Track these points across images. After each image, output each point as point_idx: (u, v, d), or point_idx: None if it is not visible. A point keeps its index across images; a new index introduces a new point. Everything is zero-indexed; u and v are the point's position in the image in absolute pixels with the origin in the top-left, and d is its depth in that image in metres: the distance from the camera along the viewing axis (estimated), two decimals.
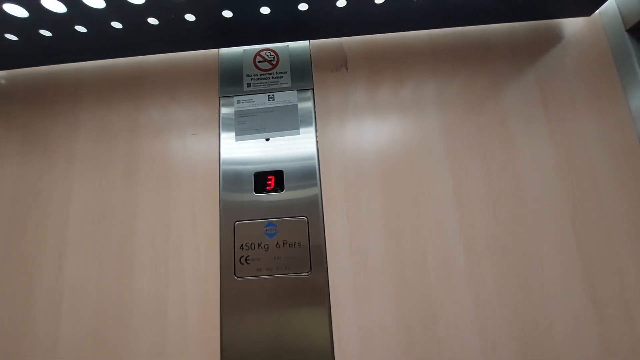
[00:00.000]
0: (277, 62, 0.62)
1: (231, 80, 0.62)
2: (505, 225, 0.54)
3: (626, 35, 0.60)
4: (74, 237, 0.56)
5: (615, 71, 0.61)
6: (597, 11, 0.65)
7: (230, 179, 0.57)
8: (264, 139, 0.59)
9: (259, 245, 0.54)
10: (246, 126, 0.59)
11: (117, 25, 0.54)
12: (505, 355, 0.50)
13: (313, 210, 0.55)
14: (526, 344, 0.50)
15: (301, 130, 0.59)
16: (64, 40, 0.57)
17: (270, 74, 0.62)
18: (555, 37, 0.63)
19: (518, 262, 0.53)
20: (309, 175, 0.57)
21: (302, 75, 0.62)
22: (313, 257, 0.53)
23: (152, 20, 0.54)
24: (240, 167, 0.57)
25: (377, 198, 0.56)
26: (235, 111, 0.60)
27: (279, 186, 0.56)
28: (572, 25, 0.64)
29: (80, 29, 0.55)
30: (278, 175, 0.57)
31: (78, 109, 0.63)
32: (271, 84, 0.61)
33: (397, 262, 0.54)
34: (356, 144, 0.59)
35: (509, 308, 0.51)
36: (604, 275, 0.52)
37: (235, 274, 0.53)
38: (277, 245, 0.54)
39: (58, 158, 0.60)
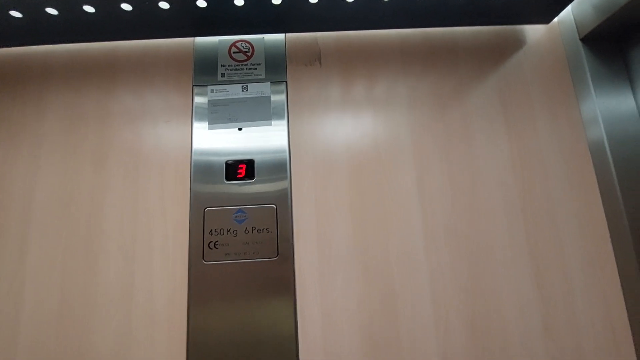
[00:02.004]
0: (252, 54, 0.63)
1: (206, 70, 0.63)
2: (462, 215, 0.58)
3: (580, 44, 0.65)
4: (39, 222, 0.56)
5: (570, 78, 0.65)
6: (556, 19, 0.69)
7: (202, 167, 0.58)
8: (237, 129, 0.60)
9: (228, 230, 0.55)
10: (219, 115, 0.60)
11: (89, 9, 0.54)
12: (455, 328, 0.53)
13: (282, 199, 0.57)
14: (475, 319, 0.54)
15: (273, 121, 0.60)
16: (34, 22, 0.56)
17: (245, 65, 0.63)
18: (516, 43, 0.67)
19: (472, 247, 0.57)
20: (279, 165, 0.58)
21: (276, 67, 0.63)
22: (280, 243, 0.55)
23: (126, 6, 0.54)
24: (212, 156, 0.59)
25: (345, 189, 0.59)
26: (208, 100, 0.61)
27: (250, 175, 0.58)
28: (533, 31, 0.68)
29: (52, 11, 0.54)
30: (249, 164, 0.58)
31: (46, 93, 0.62)
32: (245, 75, 0.62)
33: (361, 249, 0.56)
34: (327, 138, 0.61)
35: (462, 289, 0.55)
36: (548, 259, 0.57)
37: (203, 259, 0.54)
38: (246, 231, 0.55)
39: (23, 141, 0.60)
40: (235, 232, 0.55)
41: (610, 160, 0.57)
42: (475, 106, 0.63)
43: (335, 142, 0.61)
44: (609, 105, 0.60)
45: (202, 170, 0.58)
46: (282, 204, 0.57)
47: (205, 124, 0.60)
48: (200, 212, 0.56)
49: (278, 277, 0.54)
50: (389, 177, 0.59)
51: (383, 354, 0.53)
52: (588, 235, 0.58)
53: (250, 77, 0.62)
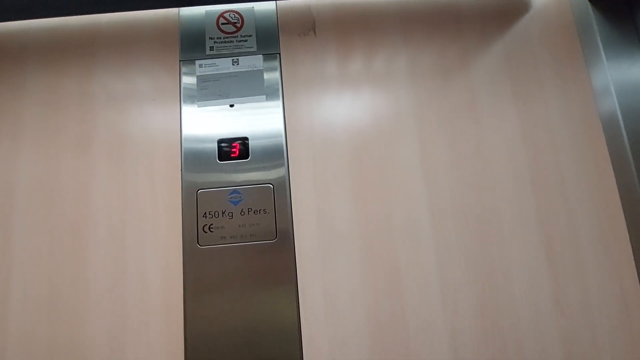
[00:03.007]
0: (242, 25, 0.59)
1: (193, 44, 0.59)
2: (468, 188, 0.55)
3: (589, 5, 0.61)
4: (22, 209, 0.53)
5: (579, 43, 0.62)
6: None
7: (193, 147, 0.55)
8: (228, 105, 0.56)
9: (223, 213, 0.52)
10: (209, 91, 0.57)
11: None
12: (464, 306, 0.51)
13: (279, 178, 0.54)
14: (484, 296, 0.52)
15: (267, 97, 0.57)
16: None
17: (235, 37, 0.59)
18: (522, 7, 0.63)
19: (479, 221, 0.54)
20: (275, 143, 0.55)
21: (268, 39, 0.59)
22: (279, 224, 0.52)
23: None
24: (203, 134, 0.55)
25: (345, 165, 0.56)
26: (197, 76, 0.57)
27: (244, 154, 0.55)
28: None
29: None
30: (243, 142, 0.55)
31: (23, 74, 0.58)
32: (235, 48, 0.58)
33: (363, 227, 0.54)
34: (324, 113, 0.57)
35: (470, 265, 0.53)
36: (559, 232, 0.54)
37: (198, 243, 0.51)
38: (242, 213, 0.52)
39: (3, 124, 0.56)
40: (230, 214, 0.52)
41: (623, 130, 0.54)
42: (480, 76, 0.60)
43: (333, 117, 0.57)
44: (621, 72, 0.57)
45: (193, 151, 0.54)
46: (279, 183, 0.54)
47: (194, 101, 0.56)
48: (193, 194, 0.53)
49: (277, 260, 0.51)
50: (391, 151, 0.56)
51: (388, 334, 0.51)
52: (600, 207, 0.55)
53: (240, 50, 0.58)
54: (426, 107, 0.58)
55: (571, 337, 0.51)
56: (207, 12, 0.60)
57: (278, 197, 0.53)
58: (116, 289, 0.51)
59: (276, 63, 0.58)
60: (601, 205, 0.55)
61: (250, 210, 0.53)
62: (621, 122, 0.55)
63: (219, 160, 0.54)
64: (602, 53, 0.58)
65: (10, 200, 0.53)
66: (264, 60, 0.58)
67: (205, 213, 0.52)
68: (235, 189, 0.53)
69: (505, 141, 0.57)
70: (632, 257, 0.54)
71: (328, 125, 0.57)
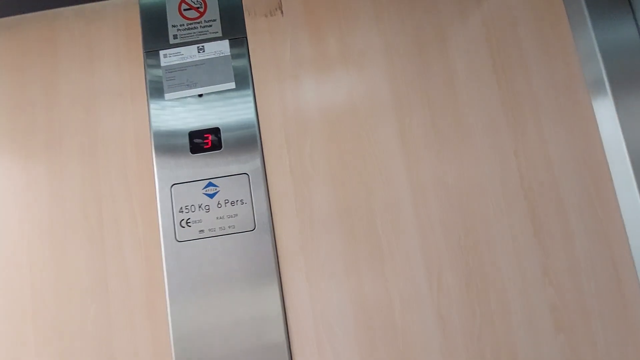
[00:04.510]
0: (205, 9, 0.57)
1: (156, 33, 0.56)
2: (450, 165, 0.54)
3: None
4: None
5: (562, 7, 0.58)
6: None
7: (164, 141, 0.53)
8: (197, 95, 0.54)
9: (200, 206, 0.51)
10: (176, 82, 0.55)
11: None
12: (450, 282, 0.51)
13: (254, 167, 0.53)
14: (469, 272, 0.51)
15: (237, 82, 0.55)
16: None
17: (199, 22, 0.56)
18: None
19: (463, 198, 0.53)
20: (248, 131, 0.54)
21: (233, 22, 0.56)
22: (257, 213, 0.51)
23: None
24: (173, 128, 0.54)
25: (321, 148, 0.54)
26: (162, 67, 0.55)
27: (217, 145, 0.53)
28: None
29: None
30: (215, 133, 0.53)
31: None
32: (200, 34, 0.56)
33: (343, 211, 0.52)
34: (297, 95, 0.55)
35: (454, 242, 0.52)
36: (545, 202, 0.53)
37: (176, 238, 0.51)
38: (219, 205, 0.52)
39: None
40: (207, 207, 0.51)
41: (610, 96, 0.52)
42: (458, 49, 0.57)
43: (307, 100, 0.55)
44: (607, 35, 0.54)
45: (164, 145, 0.53)
46: (255, 172, 0.53)
47: (161, 94, 0.54)
48: (167, 189, 0.52)
49: (257, 250, 0.51)
50: (369, 132, 0.55)
51: (375, 317, 0.50)
52: (587, 175, 0.54)
53: (205, 36, 0.56)
54: (403, 85, 0.56)
55: (560, 307, 0.51)
56: None
57: (254, 186, 0.52)
58: (98, 292, 0.50)
59: (243, 47, 0.56)
60: (588, 173, 0.54)
61: (227, 201, 0.52)
62: (608, 88, 0.52)
63: (192, 153, 0.53)
64: (587, 15, 0.55)
65: None
66: (231, 45, 0.56)
67: (181, 208, 0.51)
68: (210, 181, 0.52)
69: (486, 113, 0.55)
70: (622, 224, 0.53)
71: (302, 109, 0.55)
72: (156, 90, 0.55)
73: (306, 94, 0.55)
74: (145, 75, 0.55)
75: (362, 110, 0.55)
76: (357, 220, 0.52)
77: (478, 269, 0.51)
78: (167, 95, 0.54)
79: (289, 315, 0.50)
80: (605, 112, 0.53)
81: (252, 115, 0.54)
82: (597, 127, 0.55)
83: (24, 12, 0.56)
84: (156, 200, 0.52)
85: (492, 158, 0.54)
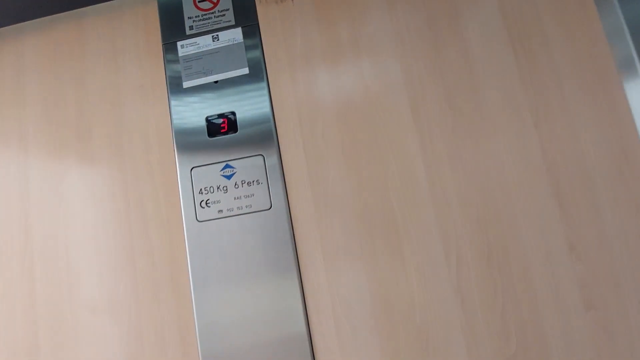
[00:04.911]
0: (218, 0, 0.59)
1: (173, 25, 0.59)
2: (466, 138, 0.52)
3: None
4: (36, 207, 0.57)
5: None
6: None
7: (183, 127, 0.56)
8: (213, 82, 0.57)
9: (218, 187, 0.53)
10: (193, 71, 0.57)
11: None
12: (469, 259, 0.50)
13: (269, 148, 0.54)
14: (490, 247, 0.50)
15: (250, 68, 0.57)
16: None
17: (212, 13, 0.59)
18: None
19: (480, 171, 0.52)
20: (262, 114, 0.55)
21: (245, 10, 0.58)
22: (272, 193, 0.53)
23: None
24: (191, 114, 0.56)
25: (334, 127, 0.55)
26: (180, 56, 0.58)
27: (233, 128, 0.55)
28: None
29: None
30: (230, 117, 0.55)
31: (23, 76, 0.61)
32: (214, 24, 0.58)
33: (357, 188, 0.53)
34: (308, 78, 0.56)
35: (472, 215, 0.51)
36: (569, 173, 0.51)
37: (197, 218, 0.53)
38: (236, 186, 0.53)
39: (9, 131, 0.60)
40: (225, 188, 0.53)
41: None
42: (472, 21, 0.56)
43: (318, 83, 0.56)
44: (635, 9, 0.51)
45: (183, 131, 0.56)
46: (269, 153, 0.54)
47: (180, 82, 0.57)
48: (188, 172, 0.54)
49: (274, 228, 0.52)
50: (381, 109, 0.54)
51: (392, 294, 0.50)
52: (615, 145, 0.51)
53: (219, 26, 0.58)
54: (415, 63, 0.55)
55: (589, 282, 0.49)
56: None
57: (269, 167, 0.54)
58: (127, 270, 0.54)
59: (256, 34, 0.58)
60: (617, 143, 0.51)
61: (243, 182, 0.53)
62: (638, 65, 0.49)
63: (209, 137, 0.55)
64: None
65: (25, 194, 0.57)
66: (243, 32, 0.58)
67: (201, 189, 0.54)
68: (227, 163, 0.54)
69: (503, 87, 0.53)
70: None
71: (315, 91, 0.56)
72: (175, 79, 0.57)
73: (318, 78, 0.56)
74: (164, 66, 0.58)
75: (374, 89, 0.55)
76: (371, 197, 0.52)
77: (499, 243, 0.50)
78: (185, 84, 0.57)
79: (307, 292, 0.51)
80: (634, 82, 0.50)
81: (266, 99, 0.55)
82: (626, 97, 0.52)
83: (54, 13, 0.61)
84: (177, 183, 0.54)
85: (510, 131, 0.52)
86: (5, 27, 0.62)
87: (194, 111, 0.56)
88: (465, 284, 0.49)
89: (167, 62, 0.58)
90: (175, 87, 0.57)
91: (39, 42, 0.62)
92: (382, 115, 0.54)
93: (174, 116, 0.56)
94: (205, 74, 0.57)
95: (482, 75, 0.54)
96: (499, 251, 0.50)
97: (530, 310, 0.49)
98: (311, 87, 0.56)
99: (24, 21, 0.62)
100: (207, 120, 0.55)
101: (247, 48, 0.57)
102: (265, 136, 0.54)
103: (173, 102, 0.57)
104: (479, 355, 0.49)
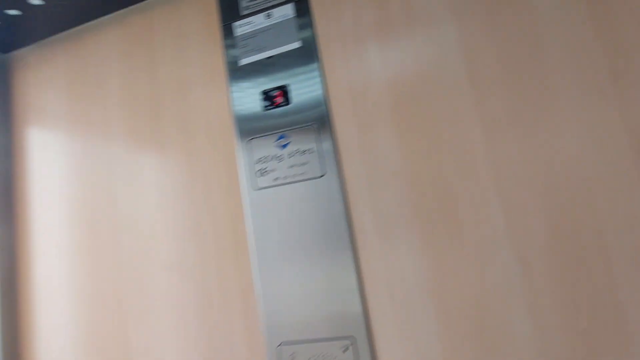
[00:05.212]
0: None
1: (229, 7, 0.63)
2: (527, 98, 0.49)
3: None
4: (120, 184, 0.65)
5: None
6: None
7: (241, 101, 0.59)
8: (267, 58, 0.59)
9: (273, 157, 0.56)
10: (249, 48, 0.60)
11: None
12: (534, 229, 0.47)
13: (321, 118, 0.56)
14: (558, 216, 0.46)
15: (302, 41, 0.58)
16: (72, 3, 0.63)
17: None
18: None
19: (543, 134, 0.48)
20: (314, 85, 0.57)
21: None
22: (325, 161, 0.54)
23: None
24: (248, 89, 0.59)
25: (385, 95, 0.54)
26: (236, 36, 0.61)
27: (286, 100, 0.57)
28: None
29: None
30: (284, 89, 0.58)
31: (104, 67, 0.69)
32: (267, 2, 0.61)
33: (409, 156, 0.52)
34: (360, 49, 0.56)
35: (537, 184, 0.48)
36: None
37: (255, 186, 0.56)
38: (290, 155, 0.56)
39: (95, 129, 0.68)
40: (280, 157, 0.56)
41: None
42: None
43: (370, 52, 0.56)
44: None
45: (241, 105, 0.59)
46: (322, 123, 0.56)
47: (237, 60, 0.61)
48: (246, 144, 0.58)
49: (327, 195, 0.54)
50: (435, 76, 0.53)
51: (446, 259, 0.49)
52: None
53: (271, 3, 0.60)
54: (472, 29, 0.53)
55: None
56: None
57: (322, 136, 0.55)
58: (193, 236, 0.59)
59: (306, 9, 0.59)
60: None
61: (297, 151, 0.56)
62: None
63: (264, 110, 0.58)
64: None
65: (111, 174, 0.65)
66: (295, 8, 0.59)
67: (257, 159, 0.57)
68: (281, 134, 0.57)
69: (573, 46, 0.49)
70: None
71: (366, 61, 0.56)
72: (232, 57, 0.61)
73: (370, 49, 0.56)
74: (222, 46, 0.62)
75: (428, 58, 0.54)
76: (425, 166, 0.51)
77: (568, 210, 0.46)
78: (241, 62, 0.60)
79: (361, 257, 0.52)
80: None
81: (317, 72, 0.57)
82: None
83: (127, 6, 0.68)
84: (236, 155, 0.58)
85: (576, 92, 0.48)
86: (87, 23, 0.71)
87: (251, 87, 0.59)
88: (530, 255, 0.47)
89: (224, 42, 0.62)
90: (232, 65, 0.61)
91: (115, 34, 0.70)
92: (436, 83, 0.53)
93: (232, 93, 0.60)
94: (260, 51, 0.60)
95: (547, 32, 0.50)
96: (568, 217, 0.46)
97: (604, 282, 0.45)
98: (363, 58, 0.56)
99: (103, 16, 0.70)
100: (263, 94, 0.58)
101: (299, 23, 0.59)
102: (317, 107, 0.56)
103: (231, 81, 0.60)
104: (545, 331, 0.46)
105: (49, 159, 0.71)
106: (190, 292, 0.58)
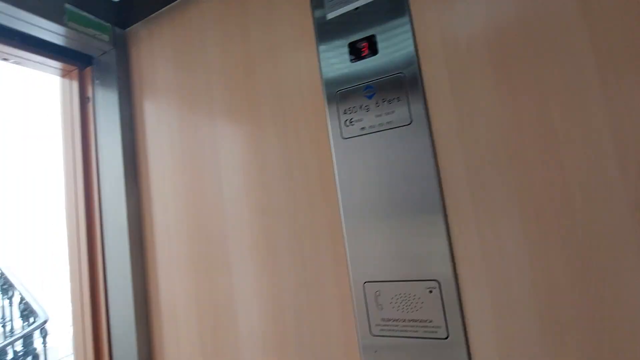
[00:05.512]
0: None
1: None
2: None
3: None
4: (224, 153, 0.73)
5: None
6: None
7: (329, 52, 0.62)
8: (354, 9, 0.60)
9: (360, 107, 0.58)
10: (335, 2, 0.62)
11: None
12: None
13: (410, 66, 0.55)
14: None
15: None
16: None
17: None
18: None
19: None
20: (402, 32, 0.56)
21: None
22: (412, 109, 0.55)
23: None
24: (335, 41, 0.61)
25: (482, 36, 0.52)
26: None
27: (374, 50, 0.58)
28: None
29: None
30: (371, 40, 0.58)
31: (206, 39, 0.77)
32: None
33: (508, 101, 0.50)
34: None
35: None
36: None
37: (342, 136, 0.59)
38: (377, 105, 0.57)
39: (200, 103, 0.77)
40: (367, 107, 0.58)
41: None
42: None
43: (464, 3, 0.53)
44: None
45: (328, 57, 0.61)
46: (410, 72, 0.55)
47: (324, 13, 0.63)
48: (333, 95, 0.61)
49: (414, 142, 0.54)
50: (540, 12, 0.49)
51: (550, 209, 0.47)
52: None
53: None
54: None
55: None
56: None
57: (410, 84, 0.55)
58: (285, 180, 0.65)
59: None
60: None
61: (384, 100, 0.57)
62: None
63: (352, 62, 0.60)
64: None
65: (217, 146, 0.74)
66: None
67: (345, 110, 0.59)
68: (368, 84, 0.58)
69: None
70: None
71: (458, 6, 0.54)
72: (319, 11, 0.63)
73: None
74: (310, 2, 0.65)
75: (534, 2, 0.49)
76: (525, 110, 0.49)
77: None
78: (328, 15, 0.62)
79: (447, 202, 0.52)
80: None
81: (406, 19, 0.56)
82: None
83: None
84: (324, 106, 0.62)
85: None
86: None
87: (338, 40, 0.61)
88: None
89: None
90: (320, 20, 0.63)
91: (212, 2, 0.76)
92: (542, 20, 0.49)
93: (320, 47, 0.62)
94: (347, 3, 0.61)
95: None
96: None
97: None
98: (455, 3, 0.54)
99: None
100: (350, 46, 0.60)
101: None
102: (405, 56, 0.56)
103: (319, 36, 0.63)
104: None
105: (162, 123, 0.82)
106: (284, 233, 0.65)
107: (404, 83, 0.56)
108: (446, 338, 0.51)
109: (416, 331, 0.53)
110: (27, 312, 2.71)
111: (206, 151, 0.75)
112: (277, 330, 0.64)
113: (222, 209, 0.72)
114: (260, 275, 0.67)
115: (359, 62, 0.59)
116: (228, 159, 0.72)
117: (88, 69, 0.91)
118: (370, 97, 0.58)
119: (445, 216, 0.52)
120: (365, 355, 0.56)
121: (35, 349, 2.64)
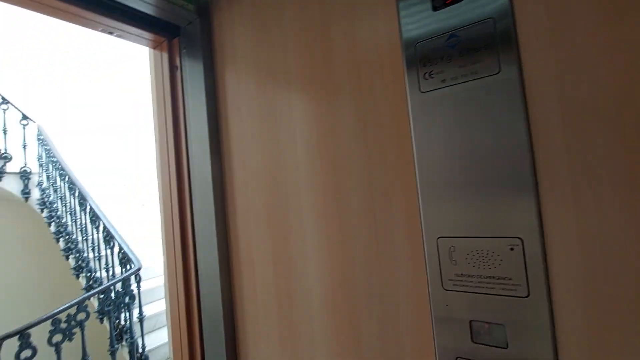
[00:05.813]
0: None
1: None
2: None
3: None
4: (299, 124, 0.76)
5: None
6: None
7: (408, 1, 0.59)
8: None
9: (442, 58, 0.56)
10: None
11: None
12: None
13: (501, 11, 0.51)
14: None
15: None
16: None
17: None
18: None
19: None
20: None
21: None
22: (502, 55, 0.51)
23: None
24: None
25: None
26: None
27: None
28: None
29: None
30: None
31: (286, 5, 0.78)
32: None
33: (619, 44, 0.44)
34: None
35: None
36: None
37: (420, 90, 0.58)
38: (461, 54, 0.54)
39: (277, 67, 0.79)
40: (449, 58, 0.55)
41: None
42: None
43: None
44: None
45: (408, 5, 0.59)
46: (501, 16, 0.51)
47: None
48: (413, 48, 0.59)
49: (502, 92, 0.51)
50: None
51: None
52: None
53: None
54: None
55: None
56: None
57: (500, 29, 0.51)
58: (361, 134, 0.66)
59: None
60: None
61: (469, 49, 0.53)
62: None
63: (434, 11, 0.57)
64: None
65: (293, 117, 0.77)
66: None
67: (424, 62, 0.57)
68: (452, 33, 0.55)
69: None
70: None
71: None
72: None
73: None
74: None
75: None
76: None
77: None
78: None
79: (538, 156, 0.49)
80: None
81: None
82: None
83: None
84: (402, 59, 0.60)
85: None
86: None
87: None
88: None
89: None
90: None
91: None
92: None
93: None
94: None
95: None
96: None
97: None
98: None
99: None
100: None
101: None
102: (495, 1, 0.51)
103: None
104: None
105: (242, 87, 0.87)
106: (356, 187, 0.67)
107: (494, 28, 0.52)
108: (526, 297, 0.49)
109: (493, 288, 0.52)
110: (125, 260, 3.21)
111: (282, 112, 0.78)
112: (346, 279, 0.68)
113: (296, 166, 0.76)
114: (331, 228, 0.70)
115: (441, 11, 0.56)
116: (302, 117, 0.75)
117: (175, 40, 1.00)
118: (453, 47, 0.55)
119: (534, 170, 0.49)
120: (436, 308, 0.57)
121: (132, 291, 3.15)
